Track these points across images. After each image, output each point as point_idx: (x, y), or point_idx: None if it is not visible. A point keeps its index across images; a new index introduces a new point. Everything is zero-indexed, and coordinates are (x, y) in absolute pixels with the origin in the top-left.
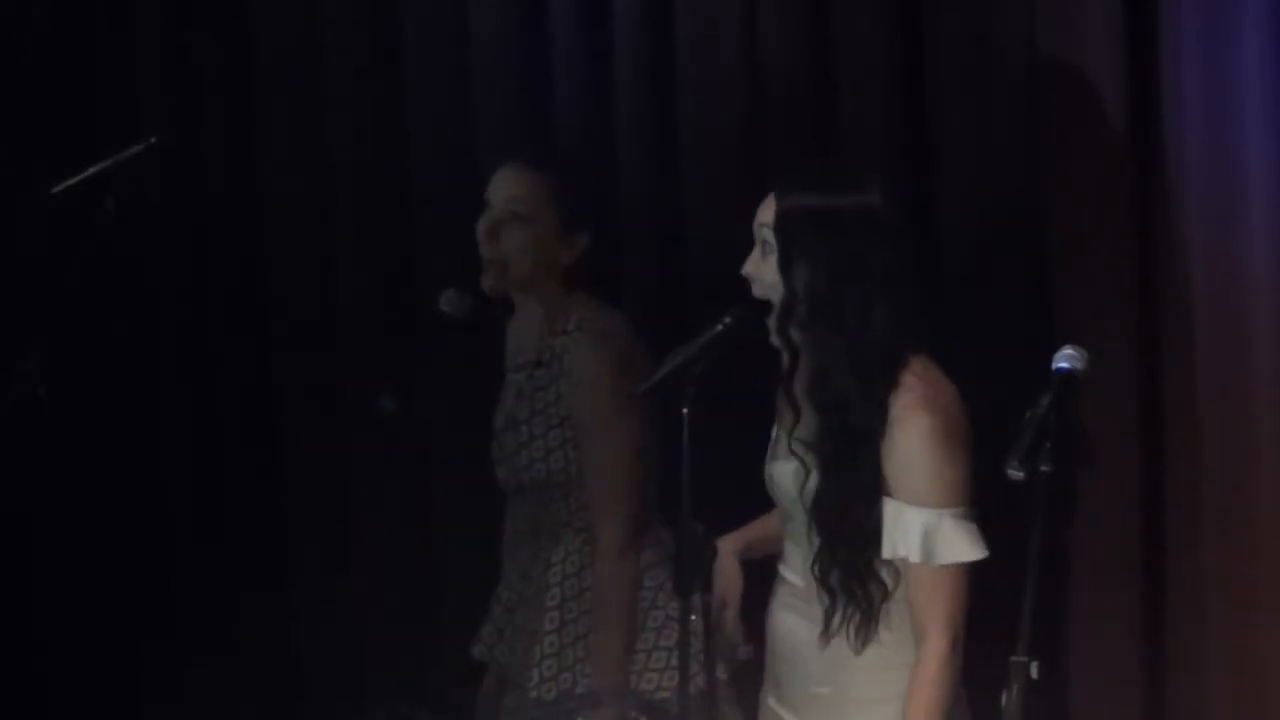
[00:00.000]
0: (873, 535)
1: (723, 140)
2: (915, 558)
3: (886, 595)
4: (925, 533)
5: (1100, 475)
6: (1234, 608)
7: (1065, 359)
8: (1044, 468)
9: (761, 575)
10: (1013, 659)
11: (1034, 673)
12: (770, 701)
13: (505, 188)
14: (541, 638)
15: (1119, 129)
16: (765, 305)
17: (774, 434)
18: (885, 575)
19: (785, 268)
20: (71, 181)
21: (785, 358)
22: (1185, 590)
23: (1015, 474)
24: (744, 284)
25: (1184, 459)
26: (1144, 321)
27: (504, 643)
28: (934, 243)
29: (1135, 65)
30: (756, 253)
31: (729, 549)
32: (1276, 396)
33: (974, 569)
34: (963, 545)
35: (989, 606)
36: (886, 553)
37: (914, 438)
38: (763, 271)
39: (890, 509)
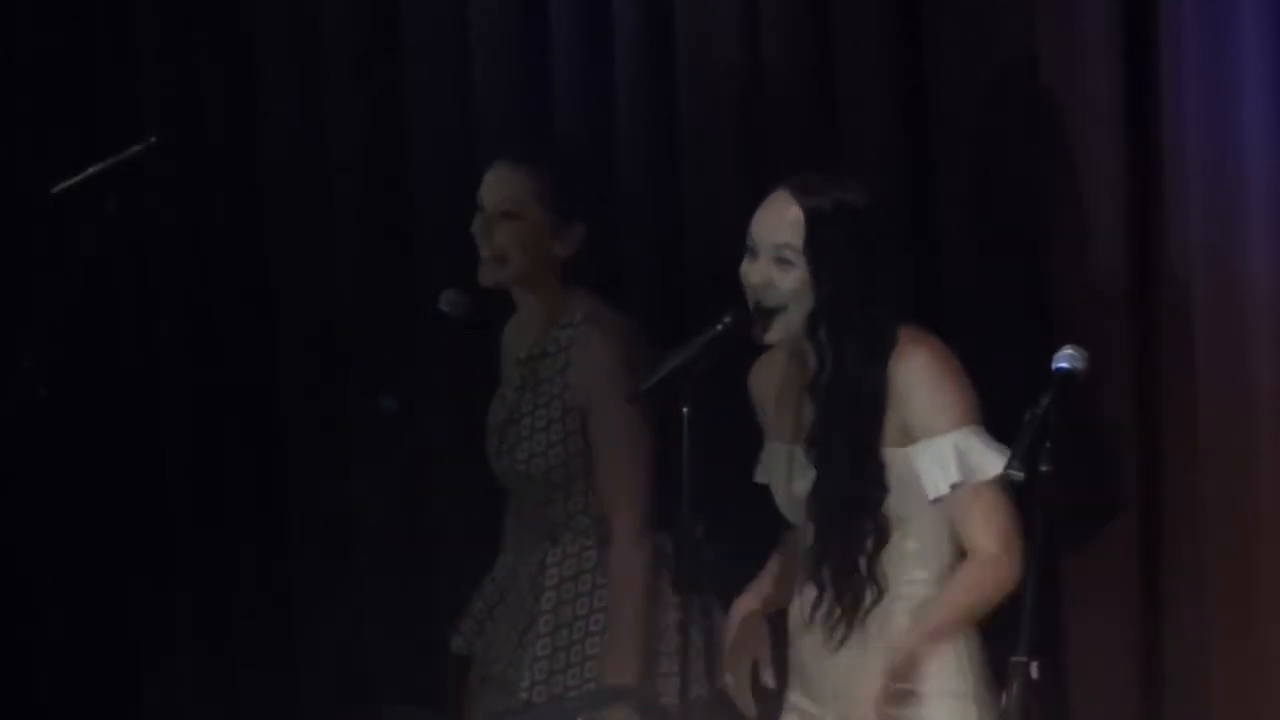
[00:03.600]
0: (867, 532)
1: (723, 140)
2: (955, 477)
3: (878, 599)
4: (959, 453)
5: (1100, 475)
6: (1234, 607)
7: (1065, 359)
8: (1044, 468)
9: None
10: (1013, 659)
11: (1034, 673)
12: (801, 701)
13: (493, 189)
14: (535, 641)
15: (1118, 129)
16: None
17: (775, 451)
18: (882, 576)
19: (819, 276)
20: (71, 181)
21: (812, 360)
22: (1185, 590)
23: (1015, 474)
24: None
25: (1183, 459)
26: (1144, 321)
27: (483, 636)
28: (934, 243)
29: (1135, 65)
30: (766, 265)
31: (746, 608)
32: (1276, 396)
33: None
34: (995, 456)
35: None
36: (931, 494)
37: (915, 371)
38: (781, 282)
39: (916, 451)
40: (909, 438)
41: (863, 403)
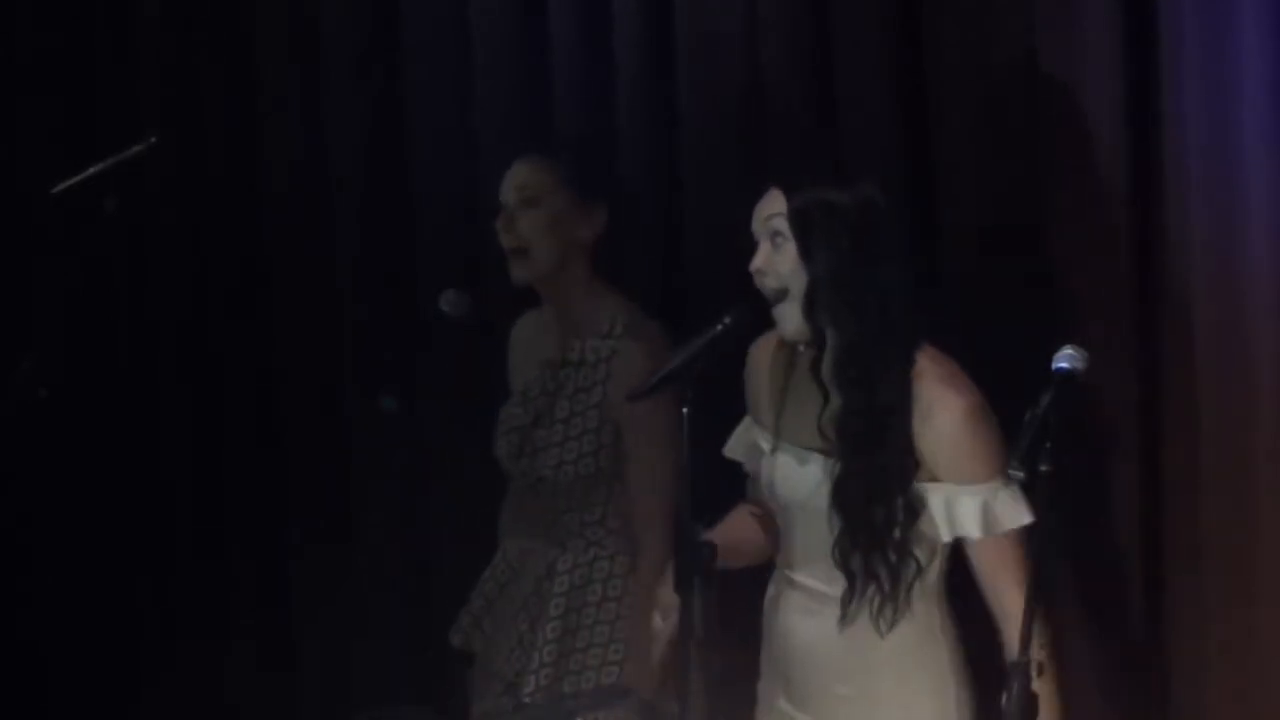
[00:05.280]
0: (897, 517)
1: (723, 140)
2: (977, 533)
3: (919, 573)
4: (984, 508)
5: (1100, 475)
6: (1234, 607)
7: (1065, 359)
8: (1044, 468)
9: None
10: (1013, 659)
11: (1034, 673)
12: (781, 704)
13: (514, 181)
14: (541, 645)
15: (1119, 129)
16: (767, 304)
17: (749, 439)
18: (918, 553)
19: (807, 252)
20: (71, 181)
21: (812, 344)
22: (1185, 590)
23: (1015, 474)
24: (744, 284)
25: (1184, 459)
26: (1144, 321)
27: (481, 632)
28: (934, 243)
29: (1135, 66)
30: (766, 247)
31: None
32: (1276, 396)
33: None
34: (1019, 510)
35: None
36: (945, 536)
37: (954, 420)
38: (777, 263)
39: (940, 493)
40: (930, 476)
41: (884, 409)
